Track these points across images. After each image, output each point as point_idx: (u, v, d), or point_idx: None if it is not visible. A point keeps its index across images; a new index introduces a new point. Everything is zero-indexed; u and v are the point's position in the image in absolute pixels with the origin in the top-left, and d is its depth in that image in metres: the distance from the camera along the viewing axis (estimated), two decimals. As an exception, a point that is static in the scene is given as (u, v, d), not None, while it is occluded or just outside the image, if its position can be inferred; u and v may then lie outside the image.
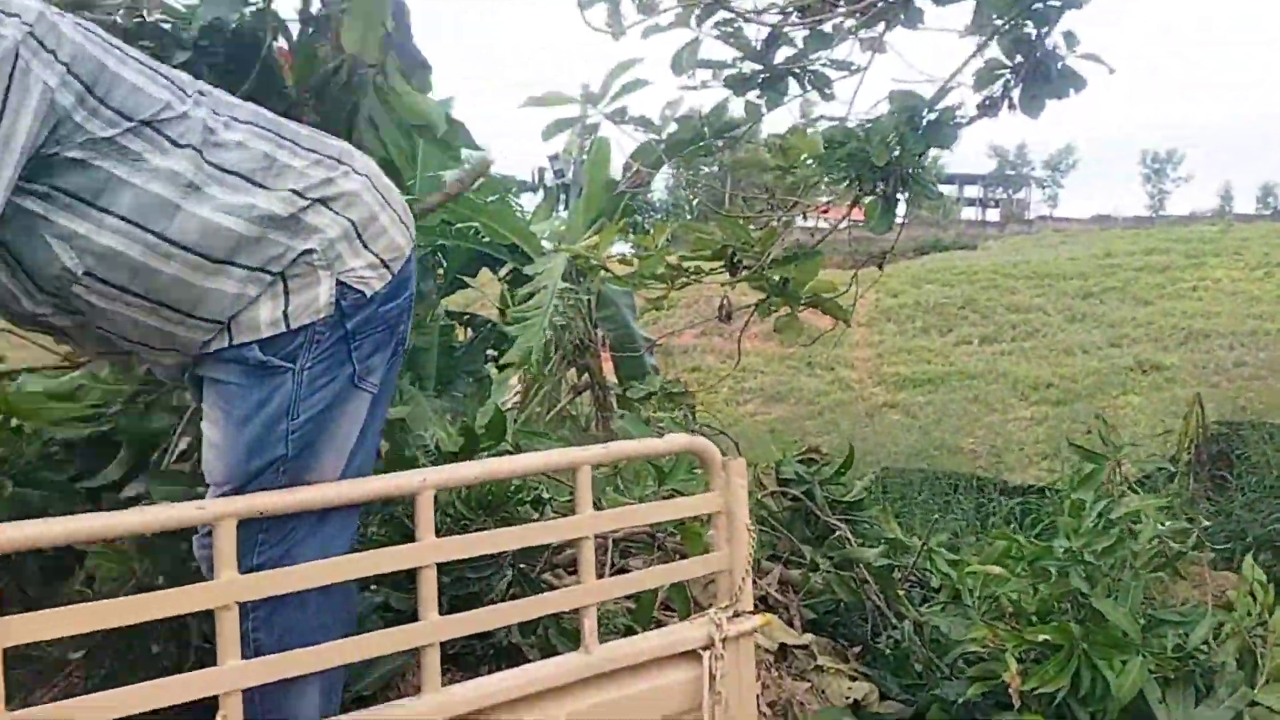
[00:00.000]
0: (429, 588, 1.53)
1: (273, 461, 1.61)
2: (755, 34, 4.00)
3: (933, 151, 4.04)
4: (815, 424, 9.39)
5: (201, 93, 1.63)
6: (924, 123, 3.74)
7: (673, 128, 4.50)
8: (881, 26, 3.92)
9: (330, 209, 1.64)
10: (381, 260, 1.68)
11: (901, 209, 3.98)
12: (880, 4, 3.78)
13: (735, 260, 4.14)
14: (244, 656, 1.39)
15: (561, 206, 6.38)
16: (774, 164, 4.19)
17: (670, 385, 4.50)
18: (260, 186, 1.59)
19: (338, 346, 1.65)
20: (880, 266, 4.54)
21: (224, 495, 1.59)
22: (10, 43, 1.41)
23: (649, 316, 6.06)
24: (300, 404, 1.63)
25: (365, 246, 1.66)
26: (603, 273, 4.94)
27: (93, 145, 1.49)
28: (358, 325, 1.66)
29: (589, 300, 5.16)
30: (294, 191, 1.62)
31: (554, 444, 3.22)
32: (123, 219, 1.52)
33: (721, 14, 3.94)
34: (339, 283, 1.64)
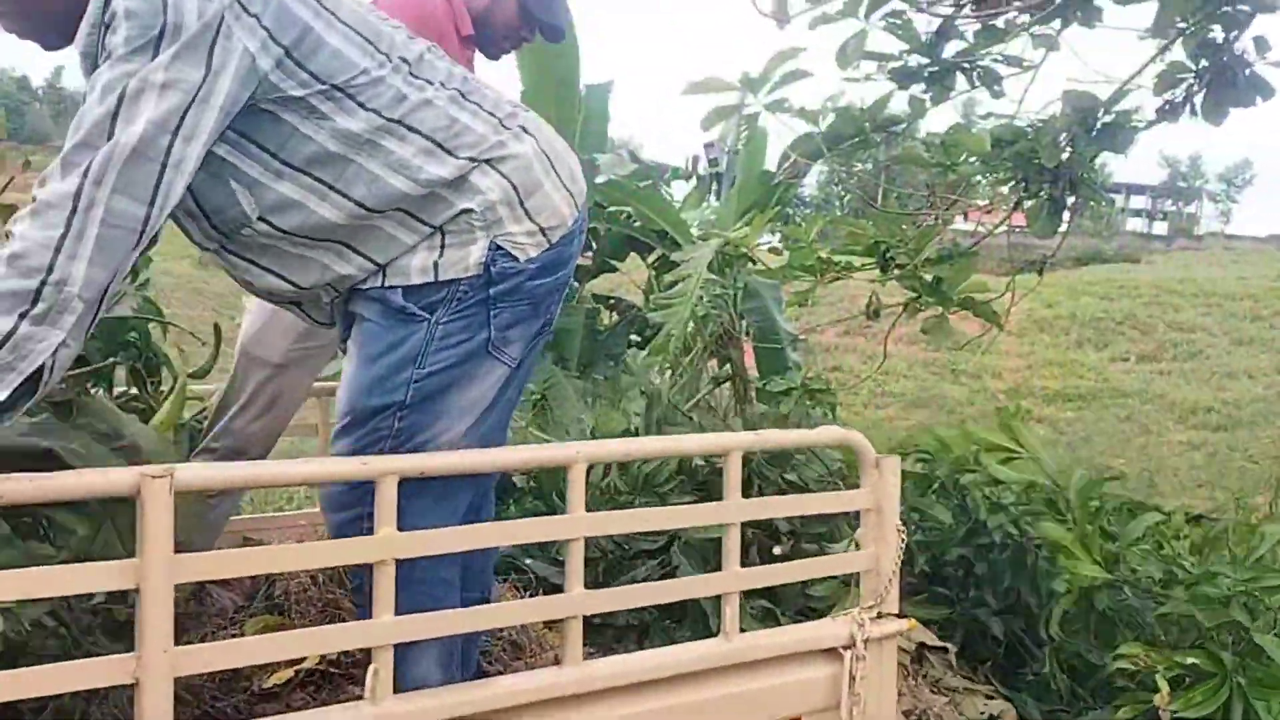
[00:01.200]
0: (576, 560, 1.54)
1: (390, 405, 1.64)
2: (925, 27, 3.90)
3: (1101, 157, 3.88)
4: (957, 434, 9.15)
5: (404, 59, 1.65)
6: (1098, 125, 3.60)
7: (832, 119, 4.43)
8: (1057, 23, 3.78)
9: (496, 170, 1.67)
10: (540, 228, 1.68)
11: (1066, 215, 3.84)
12: (1058, 1, 3.64)
13: (888, 257, 4.06)
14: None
15: (713, 195, 6.36)
16: (935, 161, 4.08)
17: (812, 382, 4.45)
18: (439, 147, 1.63)
19: (478, 309, 1.67)
20: (1040, 273, 4.39)
21: (341, 429, 1.66)
22: (217, 6, 1.47)
23: (791, 311, 5.98)
24: (429, 355, 1.66)
25: (526, 213, 1.67)
26: (750, 264, 4.90)
27: (283, 102, 1.55)
28: (501, 293, 1.67)
29: (735, 291, 5.12)
30: (467, 157, 1.65)
31: (694, 430, 3.22)
32: (299, 170, 1.59)
33: (892, 5, 3.86)
34: (494, 245, 1.66)
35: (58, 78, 63.80)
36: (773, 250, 5.06)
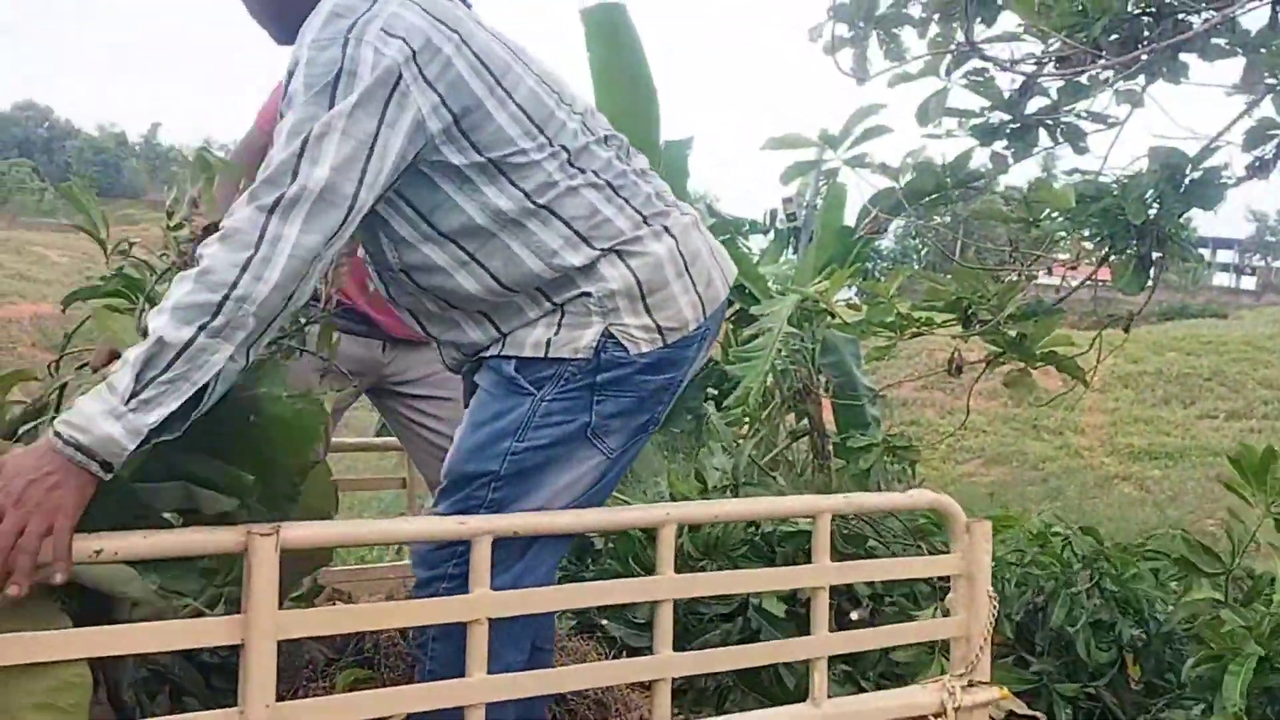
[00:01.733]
0: (665, 622, 1.55)
1: (486, 473, 1.67)
2: (1007, 84, 3.90)
3: (1188, 213, 3.83)
4: (1038, 490, 8.94)
5: (565, 146, 1.69)
6: (1186, 181, 3.55)
7: (912, 174, 4.42)
8: (1142, 79, 3.75)
9: (625, 262, 1.69)
10: (658, 326, 1.69)
11: (1153, 271, 3.78)
12: (1144, 57, 3.62)
13: (969, 313, 4.02)
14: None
15: (791, 250, 6.37)
16: (1017, 216, 4.04)
17: (893, 438, 4.40)
18: (577, 235, 1.67)
19: (583, 392, 1.68)
20: (1127, 329, 4.31)
21: (440, 491, 1.71)
22: (391, 63, 1.54)
23: (868, 366, 5.94)
24: (528, 430, 1.68)
25: (646, 308, 1.69)
26: (829, 318, 4.89)
27: (442, 167, 1.62)
28: (608, 381, 1.68)
29: (813, 345, 5.11)
30: (601, 248, 1.68)
31: (773, 492, 3.21)
32: (445, 236, 1.66)
33: (973, 63, 3.86)
34: (607, 333, 1.68)
35: (154, 134, 66.22)
36: (851, 305, 5.04)
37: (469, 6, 1.77)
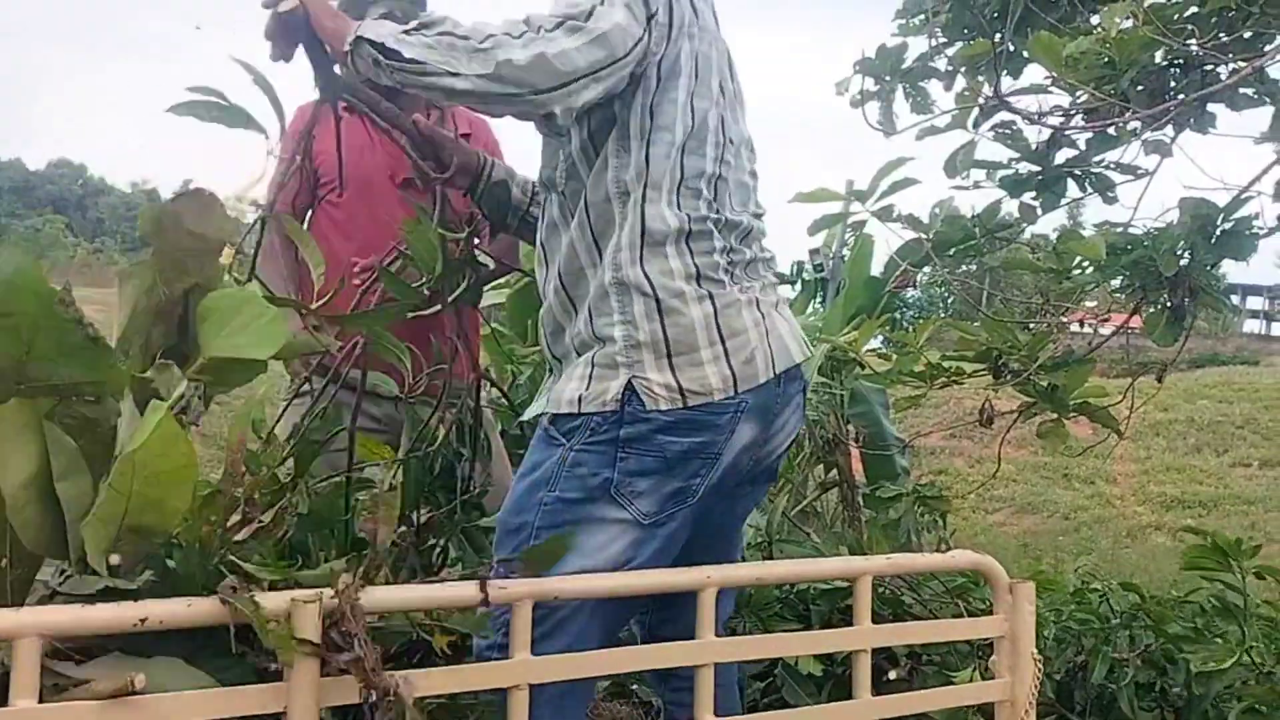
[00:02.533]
0: (706, 687, 1.53)
1: (525, 524, 1.70)
2: (1035, 135, 3.91)
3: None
4: (1070, 540, 8.83)
5: (686, 176, 1.77)
6: (1217, 232, 3.53)
7: (940, 226, 4.42)
8: (1171, 130, 3.75)
9: (660, 316, 1.71)
10: (680, 386, 1.69)
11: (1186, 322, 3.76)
12: (1172, 109, 3.62)
13: (1000, 363, 4.01)
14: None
15: (818, 300, 6.37)
16: (1046, 266, 4.04)
17: (924, 489, 4.37)
18: (636, 252, 1.75)
19: (607, 447, 1.70)
20: (1160, 379, 4.28)
21: (494, 545, 1.76)
22: None
23: (897, 415, 5.91)
24: (559, 481, 1.71)
25: (670, 366, 1.70)
26: (858, 368, 4.87)
27: (624, 104, 1.74)
28: (631, 436, 1.69)
29: (842, 396, 5.09)
30: (648, 290, 1.74)
31: (808, 549, 3.18)
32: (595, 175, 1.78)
33: (1000, 116, 3.87)
34: (630, 385, 1.69)
35: (185, 190, 67.13)
36: (880, 355, 5.03)
37: None
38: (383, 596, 1.37)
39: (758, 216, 1.89)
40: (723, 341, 1.73)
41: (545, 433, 1.76)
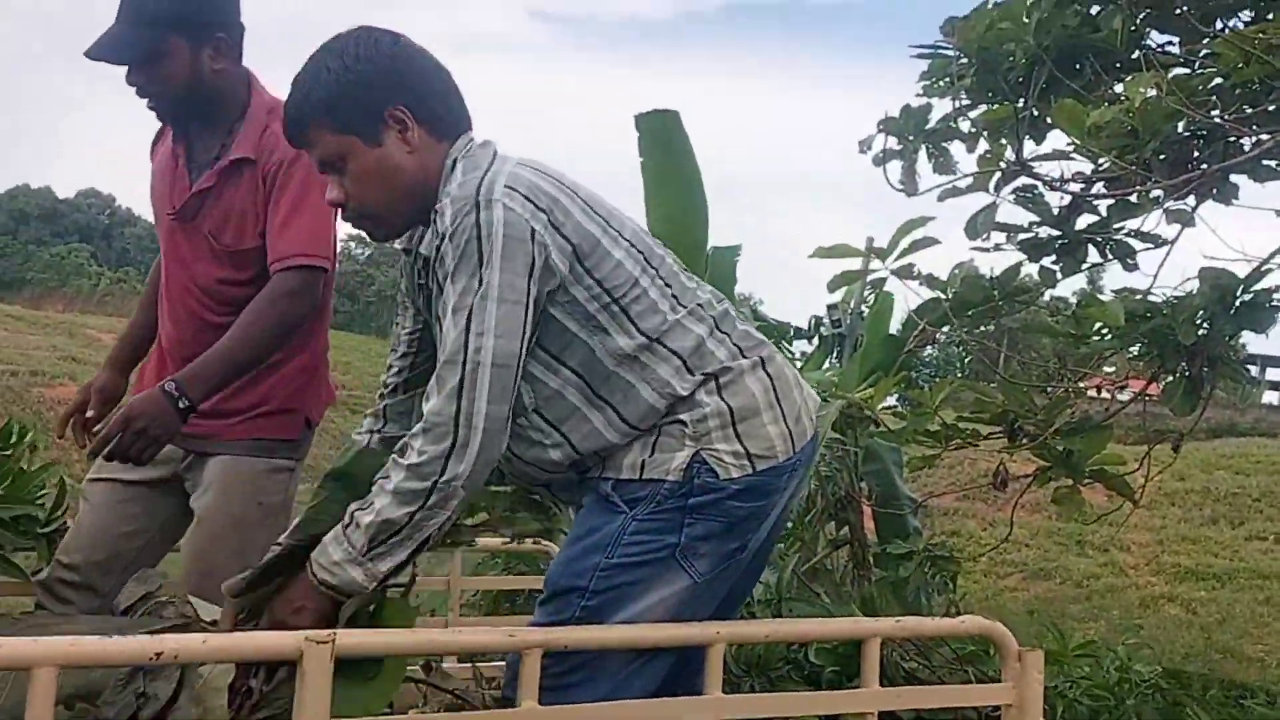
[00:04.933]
0: (711, 742, 1.52)
1: (576, 588, 1.72)
2: (1056, 200, 3.92)
3: (1241, 333, 3.80)
4: (1081, 608, 8.72)
5: (667, 282, 1.80)
6: (1237, 303, 3.53)
7: (959, 286, 4.43)
8: (1192, 199, 3.76)
9: (721, 390, 1.75)
10: (747, 452, 1.74)
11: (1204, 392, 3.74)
12: (1195, 179, 3.63)
13: (1016, 426, 4.00)
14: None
15: (834, 356, 6.37)
16: (1065, 331, 4.04)
17: (934, 548, 4.34)
18: (685, 367, 1.75)
19: (674, 514, 1.72)
20: (1176, 449, 4.25)
21: (540, 601, 1.77)
22: (520, 217, 1.68)
23: (910, 475, 5.88)
24: (618, 547, 1.72)
25: (737, 435, 1.73)
26: (873, 426, 4.86)
27: (570, 307, 1.74)
28: (699, 504, 1.72)
29: (856, 453, 5.08)
30: (702, 374, 1.76)
31: (818, 608, 3.16)
32: (573, 370, 1.76)
33: (1022, 180, 3.90)
34: (699, 457, 1.72)
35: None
36: (895, 414, 5.02)
37: None
38: (403, 640, 1.37)
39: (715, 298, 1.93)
40: (779, 403, 1.79)
41: (604, 498, 1.78)
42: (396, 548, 1.68)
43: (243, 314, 2.34)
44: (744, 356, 1.79)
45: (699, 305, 1.81)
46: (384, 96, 1.77)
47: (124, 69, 2.38)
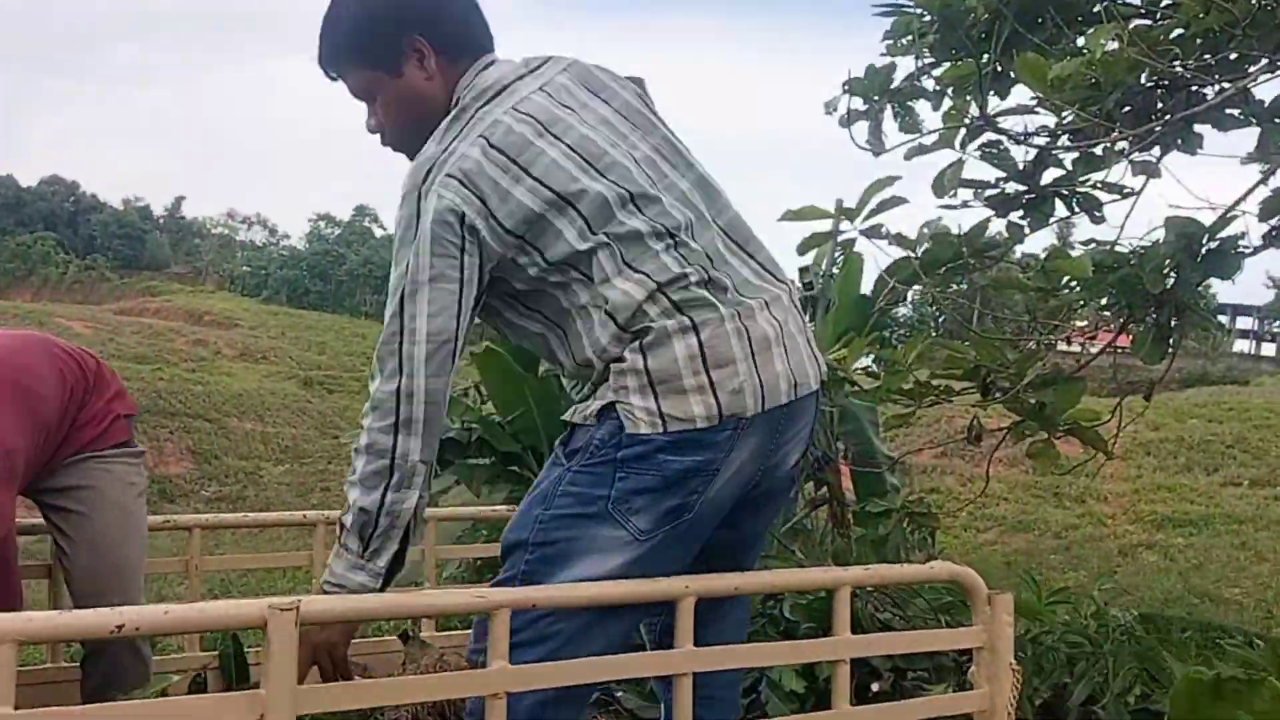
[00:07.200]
0: (685, 696, 1.53)
1: (520, 543, 1.75)
2: (1022, 155, 3.93)
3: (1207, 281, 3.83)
4: (1060, 559, 8.82)
5: (620, 242, 1.78)
6: (1203, 251, 3.55)
7: (928, 245, 4.44)
8: (1157, 150, 3.78)
9: (643, 351, 1.74)
10: (661, 412, 1.72)
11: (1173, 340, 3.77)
12: (1159, 129, 3.65)
13: (989, 381, 4.02)
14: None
15: (807, 318, 6.39)
16: (1034, 285, 4.05)
17: (913, 505, 4.37)
18: (619, 328, 1.76)
19: (605, 467, 1.73)
20: (1147, 398, 4.29)
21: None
22: (452, 203, 1.73)
23: (887, 434, 5.91)
24: (554, 499, 1.74)
25: (654, 394, 1.72)
26: (847, 386, 4.88)
27: (520, 273, 1.80)
28: (630, 457, 1.72)
29: (832, 413, 5.10)
30: (632, 332, 1.76)
31: (792, 563, 3.19)
32: (546, 318, 1.84)
33: (987, 136, 3.90)
34: (613, 406, 1.75)
35: (177, 208, 67.18)
36: (869, 373, 5.04)
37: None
38: (369, 605, 1.38)
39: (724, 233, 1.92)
40: (707, 371, 1.75)
41: (554, 454, 1.84)
42: (384, 539, 1.74)
43: None
44: (680, 315, 1.74)
45: (649, 274, 1.76)
46: (401, 29, 1.86)
47: None
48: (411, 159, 1.88)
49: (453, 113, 1.84)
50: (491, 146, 1.76)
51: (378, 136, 1.96)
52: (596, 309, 1.76)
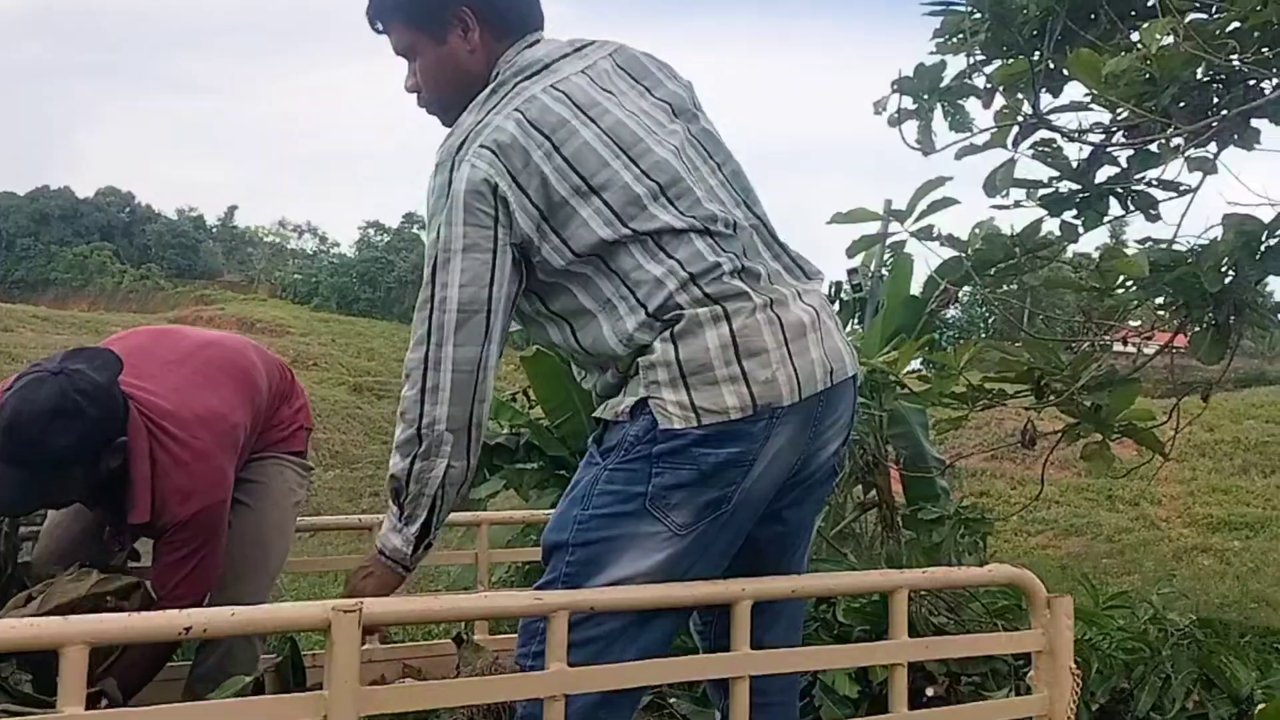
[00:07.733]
0: (742, 700, 1.53)
1: (560, 544, 1.74)
2: (1075, 153, 3.88)
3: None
4: (1114, 563, 8.67)
5: (651, 234, 1.77)
6: (1262, 248, 3.49)
7: (980, 245, 4.38)
8: (1213, 146, 3.71)
9: (674, 341, 1.72)
10: (694, 406, 1.70)
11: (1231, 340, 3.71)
12: (1215, 125, 3.58)
13: (1042, 384, 3.96)
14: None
15: (856, 320, 6.35)
16: (1089, 285, 3.99)
17: (965, 510, 4.32)
18: (650, 316, 1.74)
19: (641, 463, 1.71)
20: (1205, 399, 4.22)
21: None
22: (485, 174, 1.72)
23: (938, 437, 5.85)
24: (592, 498, 1.73)
25: (686, 386, 1.70)
26: (898, 389, 4.84)
27: (542, 263, 1.78)
28: (664, 452, 1.70)
29: (881, 416, 5.06)
30: (662, 321, 1.74)
31: (845, 569, 3.16)
32: (567, 308, 1.82)
33: (1040, 134, 3.85)
34: (645, 402, 1.73)
35: (230, 217, 68.11)
36: (920, 376, 4.99)
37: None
38: (430, 607, 1.39)
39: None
40: (740, 361, 1.73)
41: (588, 453, 1.82)
42: (415, 505, 1.77)
43: None
44: (711, 304, 1.73)
45: (682, 261, 1.75)
46: None
47: None
48: (446, 124, 1.90)
49: (491, 85, 1.85)
50: (527, 120, 1.76)
51: (414, 98, 1.97)
52: (623, 300, 1.74)
